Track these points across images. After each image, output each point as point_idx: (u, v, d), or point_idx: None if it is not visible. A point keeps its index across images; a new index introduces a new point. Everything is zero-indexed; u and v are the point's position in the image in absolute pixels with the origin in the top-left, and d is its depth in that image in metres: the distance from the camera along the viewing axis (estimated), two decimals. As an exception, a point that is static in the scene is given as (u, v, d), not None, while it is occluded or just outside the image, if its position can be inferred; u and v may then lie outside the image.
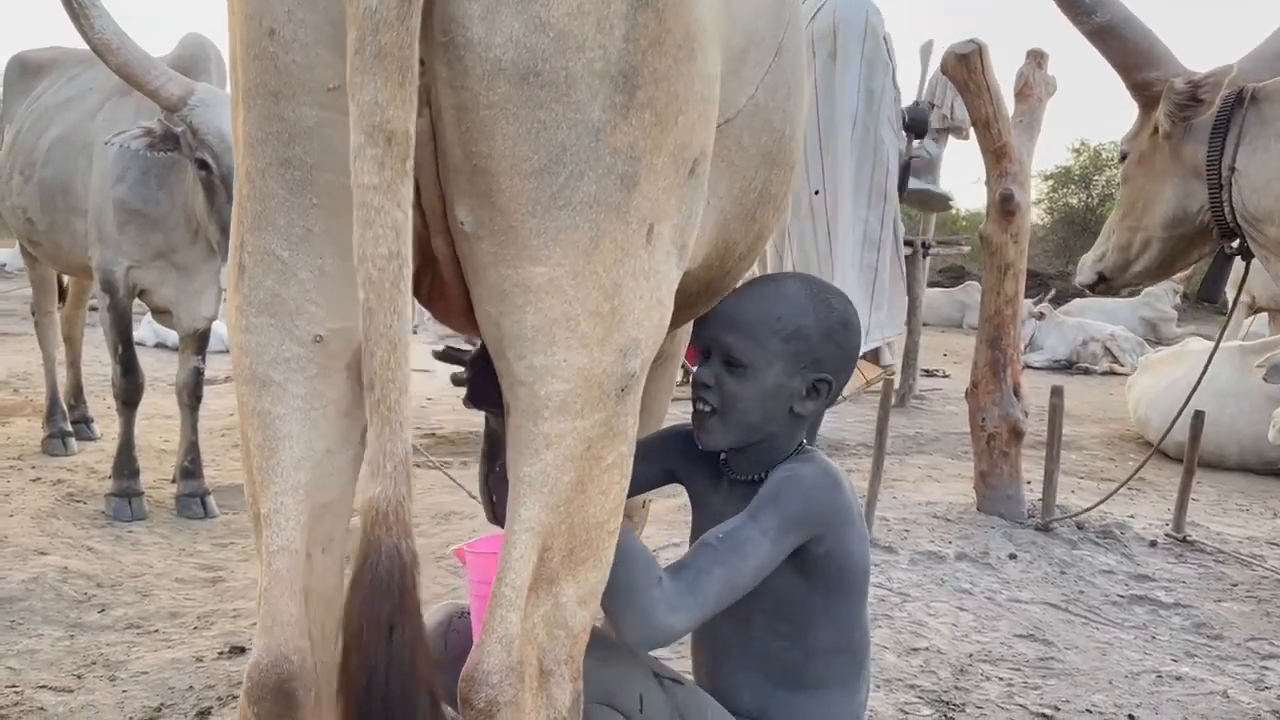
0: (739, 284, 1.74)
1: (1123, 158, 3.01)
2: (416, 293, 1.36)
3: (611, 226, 1.11)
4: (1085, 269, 3.17)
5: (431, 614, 1.76)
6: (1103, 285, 3.14)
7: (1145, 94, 2.78)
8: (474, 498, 4.09)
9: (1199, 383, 3.63)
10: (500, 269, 1.10)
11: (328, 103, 1.07)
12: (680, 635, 1.36)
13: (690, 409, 1.63)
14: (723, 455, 1.67)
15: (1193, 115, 2.63)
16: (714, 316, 1.58)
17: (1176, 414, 3.83)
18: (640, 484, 1.80)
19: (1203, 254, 2.95)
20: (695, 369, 1.61)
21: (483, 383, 1.47)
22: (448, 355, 1.66)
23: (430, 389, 7.76)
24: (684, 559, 1.40)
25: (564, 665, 1.21)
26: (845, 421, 6.72)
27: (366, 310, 0.99)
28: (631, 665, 1.49)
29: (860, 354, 4.60)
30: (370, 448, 1.00)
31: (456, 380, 1.60)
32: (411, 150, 0.99)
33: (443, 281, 1.23)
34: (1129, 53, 2.75)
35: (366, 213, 0.98)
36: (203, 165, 3.52)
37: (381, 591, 0.98)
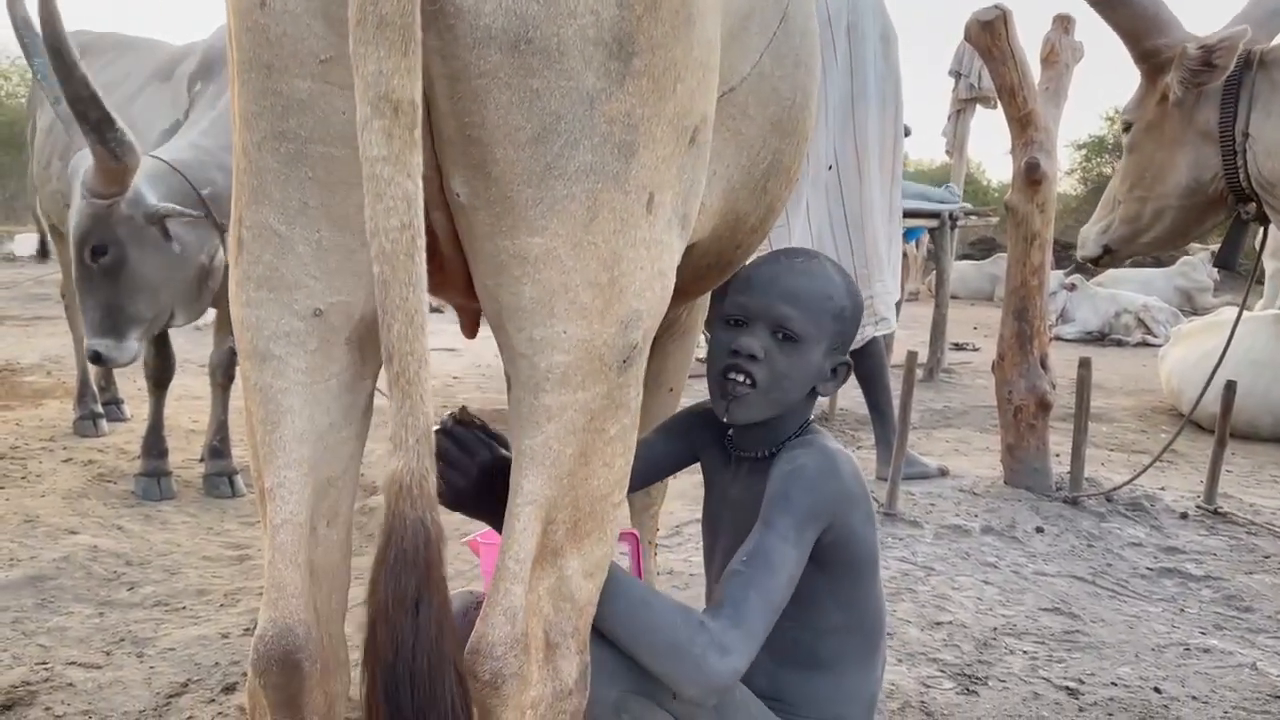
0: (758, 256, 1.71)
1: (1126, 128, 2.95)
2: None
3: (610, 196, 1.09)
4: (1089, 243, 3.12)
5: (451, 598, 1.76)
6: (1108, 258, 3.10)
7: (1152, 61, 2.74)
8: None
9: (1225, 350, 3.57)
10: (497, 240, 1.09)
11: (321, 75, 1.05)
12: (740, 674, 1.32)
13: (704, 385, 1.60)
14: (729, 433, 1.65)
15: (1206, 81, 2.59)
16: (767, 286, 1.54)
17: (1206, 382, 3.76)
18: (669, 464, 1.79)
19: (1216, 221, 2.91)
20: (728, 338, 1.54)
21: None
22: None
23: (456, 368, 7.80)
24: (717, 595, 1.36)
25: (570, 638, 1.21)
26: (872, 396, 6.67)
27: (381, 283, 0.97)
28: None
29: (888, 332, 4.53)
30: (392, 422, 0.99)
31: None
32: (419, 119, 0.97)
33: (442, 256, 1.22)
34: (1136, 19, 2.70)
35: (377, 185, 0.96)
36: None
37: (407, 566, 0.97)
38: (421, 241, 0.98)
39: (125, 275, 3.41)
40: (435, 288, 1.41)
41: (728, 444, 1.67)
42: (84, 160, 3.41)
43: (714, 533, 1.69)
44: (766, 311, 1.51)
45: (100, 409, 5.14)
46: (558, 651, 1.20)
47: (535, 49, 1.02)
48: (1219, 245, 2.98)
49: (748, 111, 1.49)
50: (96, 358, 3.49)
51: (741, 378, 1.50)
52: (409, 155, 0.96)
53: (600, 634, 1.35)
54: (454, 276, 1.24)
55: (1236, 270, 3.28)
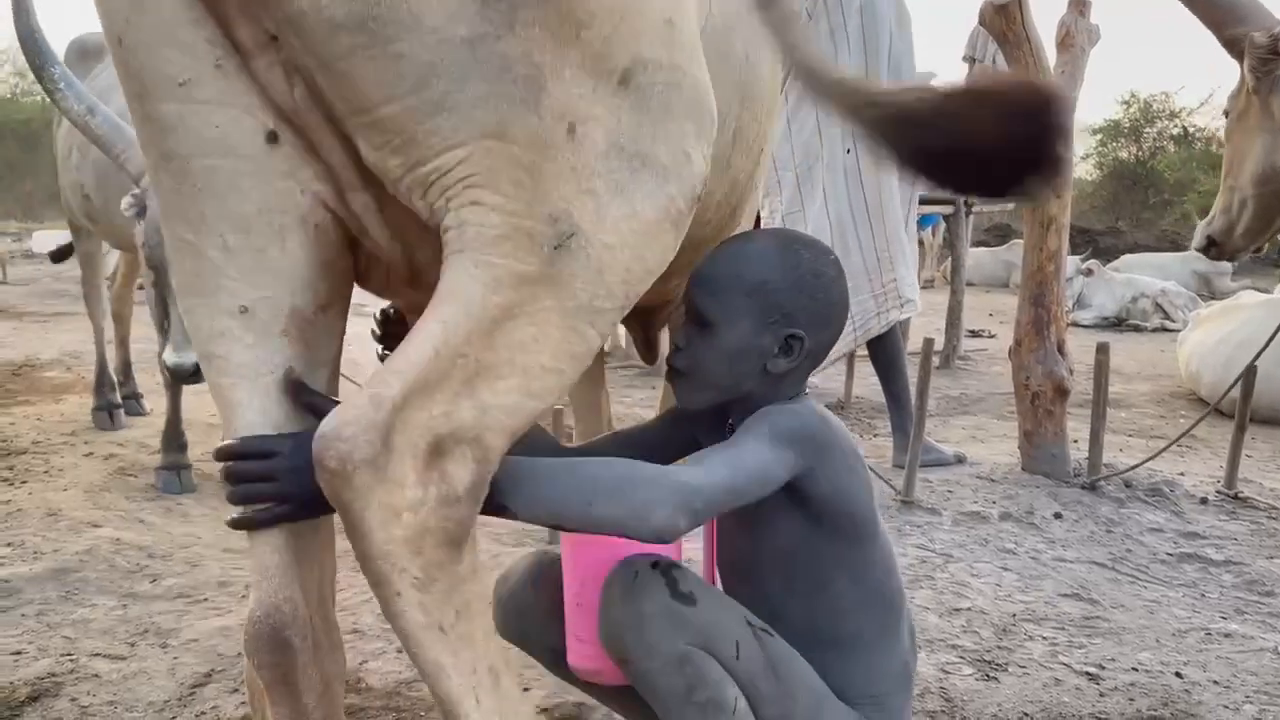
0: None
1: (1226, 117, 2.93)
2: (366, 285, 1.41)
3: (519, 115, 1.09)
4: (1198, 233, 3.11)
5: (520, 559, 1.76)
6: (1214, 249, 3.06)
7: (1236, 50, 2.71)
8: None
9: (1271, 339, 3.55)
10: (416, 172, 1.11)
11: (183, 96, 1.11)
12: (698, 496, 1.27)
13: None
14: (730, 419, 1.62)
15: (1275, 69, 2.57)
16: (692, 274, 1.53)
17: (1243, 371, 3.73)
18: (677, 449, 1.78)
19: None
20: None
21: None
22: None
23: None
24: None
25: (467, 445, 1.13)
26: (888, 383, 6.65)
27: None
28: (726, 611, 1.45)
29: (907, 316, 4.49)
30: None
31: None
32: None
33: (377, 247, 1.26)
34: (1212, 8, 2.67)
35: None
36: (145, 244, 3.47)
37: None
38: None
39: None
40: (380, 289, 1.45)
41: (727, 430, 1.62)
42: None
43: (710, 528, 1.68)
44: (688, 300, 1.52)
45: (118, 400, 5.17)
46: (450, 456, 1.12)
47: (385, 22, 1.02)
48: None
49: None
50: None
51: (675, 365, 1.55)
52: None
53: (678, 593, 1.37)
54: (395, 266, 1.26)
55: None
